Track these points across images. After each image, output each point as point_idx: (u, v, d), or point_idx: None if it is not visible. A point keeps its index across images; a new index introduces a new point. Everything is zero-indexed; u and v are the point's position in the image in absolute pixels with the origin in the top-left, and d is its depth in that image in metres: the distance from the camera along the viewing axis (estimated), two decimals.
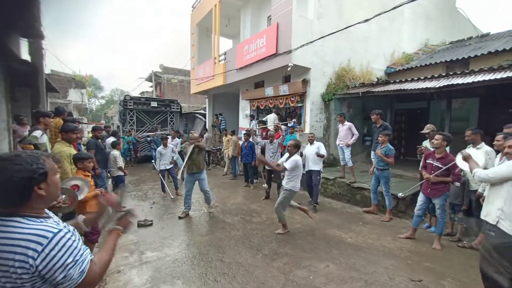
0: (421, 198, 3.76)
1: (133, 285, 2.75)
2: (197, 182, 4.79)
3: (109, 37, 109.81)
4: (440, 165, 3.48)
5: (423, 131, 4.38)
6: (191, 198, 4.87)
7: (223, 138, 9.14)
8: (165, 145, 6.22)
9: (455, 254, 3.46)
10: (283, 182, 4.02)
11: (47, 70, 8.15)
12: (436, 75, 5.78)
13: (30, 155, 0.93)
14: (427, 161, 3.70)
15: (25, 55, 5.28)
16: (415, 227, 3.87)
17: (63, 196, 2.18)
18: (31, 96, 5.67)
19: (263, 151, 6.67)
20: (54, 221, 0.96)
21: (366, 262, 3.23)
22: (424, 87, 5.30)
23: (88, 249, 1.00)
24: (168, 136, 7.33)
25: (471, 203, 3.67)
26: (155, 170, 6.80)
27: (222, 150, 9.24)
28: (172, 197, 5.96)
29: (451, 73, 5.55)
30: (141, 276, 2.92)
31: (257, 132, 7.88)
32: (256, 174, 7.29)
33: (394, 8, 4.90)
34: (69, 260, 0.89)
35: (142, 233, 4.03)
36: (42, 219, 0.93)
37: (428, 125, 4.39)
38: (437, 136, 3.58)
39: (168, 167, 6.22)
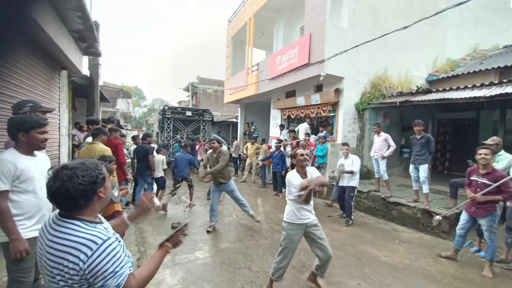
0: (463, 217, 3.48)
1: (166, 285, 2.92)
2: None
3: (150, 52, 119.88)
4: (486, 182, 3.17)
5: (486, 142, 3.89)
6: (217, 209, 4.70)
7: (248, 145, 9.21)
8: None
9: (509, 284, 3.06)
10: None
11: (100, 82, 9.19)
12: (486, 83, 5.27)
13: (92, 163, 1.06)
14: (471, 178, 3.39)
15: (85, 70, 6.07)
16: (457, 247, 3.55)
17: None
18: (87, 105, 6.46)
19: None
20: (105, 228, 1.06)
21: (403, 284, 3.01)
22: (472, 96, 4.86)
23: (130, 262, 1.05)
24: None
25: None
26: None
27: (245, 157, 9.28)
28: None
29: (505, 80, 5.02)
30: (173, 276, 3.09)
31: (287, 142, 7.86)
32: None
33: (437, 13, 4.65)
34: (110, 269, 0.94)
35: None
36: (95, 224, 1.03)
37: (494, 137, 3.94)
38: (482, 151, 3.19)
39: None
